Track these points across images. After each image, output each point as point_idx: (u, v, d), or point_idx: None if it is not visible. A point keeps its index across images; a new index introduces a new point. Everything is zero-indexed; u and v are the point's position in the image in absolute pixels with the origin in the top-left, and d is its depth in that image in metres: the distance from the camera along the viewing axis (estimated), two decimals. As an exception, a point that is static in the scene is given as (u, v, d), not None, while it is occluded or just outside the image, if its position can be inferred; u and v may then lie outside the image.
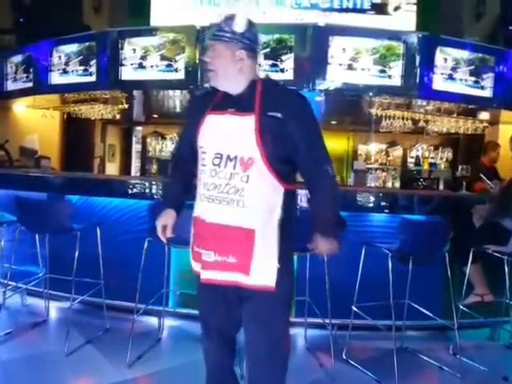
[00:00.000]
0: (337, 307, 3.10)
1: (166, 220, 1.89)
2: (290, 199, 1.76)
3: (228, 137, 1.71)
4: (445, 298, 3.29)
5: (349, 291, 3.22)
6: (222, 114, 1.75)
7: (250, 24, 1.75)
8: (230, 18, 1.74)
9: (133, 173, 9.10)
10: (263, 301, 1.74)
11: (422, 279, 3.33)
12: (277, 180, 1.70)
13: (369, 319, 3.25)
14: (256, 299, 1.75)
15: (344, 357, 3.21)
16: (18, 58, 5.79)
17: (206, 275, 1.77)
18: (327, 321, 3.14)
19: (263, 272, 1.71)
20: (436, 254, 3.16)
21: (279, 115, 1.68)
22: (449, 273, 3.09)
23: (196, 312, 1.99)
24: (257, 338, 1.78)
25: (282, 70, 4.42)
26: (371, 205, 3.60)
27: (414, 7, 7.37)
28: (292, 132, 1.69)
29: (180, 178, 1.99)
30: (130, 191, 3.78)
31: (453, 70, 4.59)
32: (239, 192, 1.67)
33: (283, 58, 4.39)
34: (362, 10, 7.34)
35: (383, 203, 3.64)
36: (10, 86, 5.92)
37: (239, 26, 1.72)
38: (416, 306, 3.33)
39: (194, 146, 1.82)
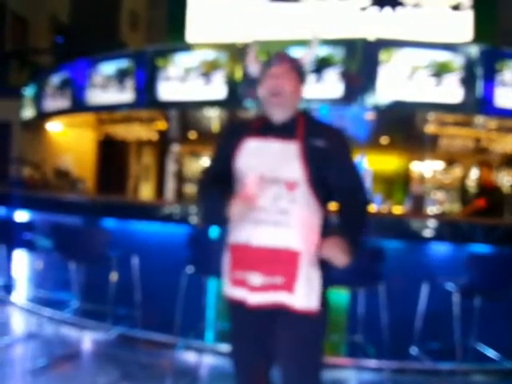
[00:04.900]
0: (394, 348, 2.91)
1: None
2: (325, 224, 1.83)
3: (273, 161, 1.78)
4: (516, 338, 3.04)
5: (407, 330, 3.01)
6: (264, 140, 1.83)
7: None
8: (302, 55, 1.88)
9: (167, 193, 9.02)
10: (304, 325, 1.74)
11: (490, 317, 3.09)
12: (317, 204, 1.79)
13: (430, 362, 3.03)
14: (297, 324, 1.75)
15: (402, 405, 2.96)
16: (55, 78, 5.84)
17: (255, 299, 1.76)
18: (383, 363, 2.94)
19: (307, 293, 1.75)
20: (506, 289, 2.94)
21: (321, 144, 1.79)
22: (521, 310, 2.83)
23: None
24: (295, 363, 1.75)
25: (329, 86, 4.25)
26: (432, 234, 3.30)
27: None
28: (332, 161, 1.80)
29: (218, 187, 1.84)
30: (169, 217, 3.61)
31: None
32: (285, 213, 1.74)
33: (330, 73, 4.22)
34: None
35: (445, 232, 3.33)
36: (48, 106, 5.97)
37: (308, 63, 1.89)
38: (483, 347, 3.10)
39: (230, 169, 1.85)
